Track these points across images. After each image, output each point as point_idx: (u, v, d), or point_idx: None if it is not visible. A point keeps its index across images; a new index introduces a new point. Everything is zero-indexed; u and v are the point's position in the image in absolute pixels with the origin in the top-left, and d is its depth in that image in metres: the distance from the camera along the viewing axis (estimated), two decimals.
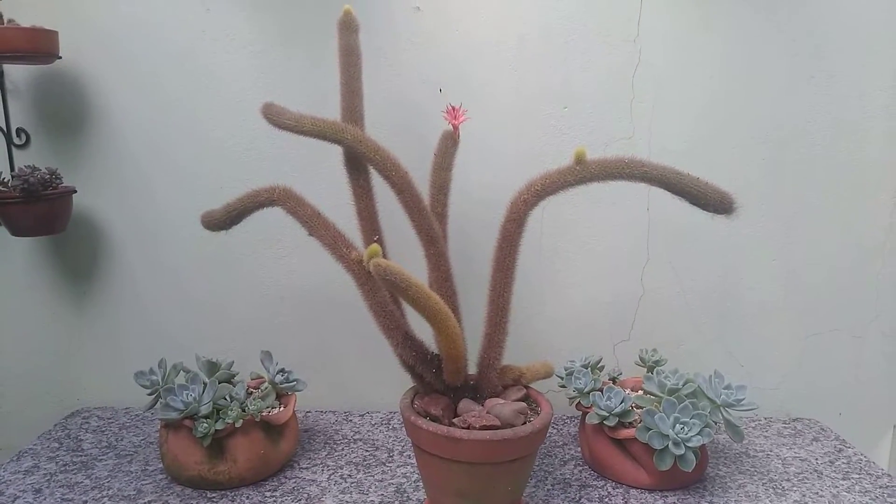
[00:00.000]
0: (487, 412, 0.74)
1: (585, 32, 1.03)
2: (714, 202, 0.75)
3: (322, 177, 1.04)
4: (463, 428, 0.72)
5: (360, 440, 1.02)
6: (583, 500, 0.86)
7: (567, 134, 1.06)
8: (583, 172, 0.75)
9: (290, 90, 1.04)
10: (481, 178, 1.05)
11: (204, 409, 0.85)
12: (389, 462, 0.95)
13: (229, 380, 0.94)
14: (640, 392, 0.97)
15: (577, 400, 0.95)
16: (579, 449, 1.00)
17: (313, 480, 0.90)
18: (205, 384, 0.87)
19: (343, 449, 0.99)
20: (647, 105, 1.05)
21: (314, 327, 1.12)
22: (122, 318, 1.13)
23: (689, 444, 0.82)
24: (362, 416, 1.11)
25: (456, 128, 0.90)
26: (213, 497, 0.86)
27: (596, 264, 1.10)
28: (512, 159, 1.06)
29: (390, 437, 1.04)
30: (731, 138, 1.06)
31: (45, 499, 0.85)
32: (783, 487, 0.89)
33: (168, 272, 1.11)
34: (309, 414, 1.10)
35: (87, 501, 0.84)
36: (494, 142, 1.06)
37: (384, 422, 1.09)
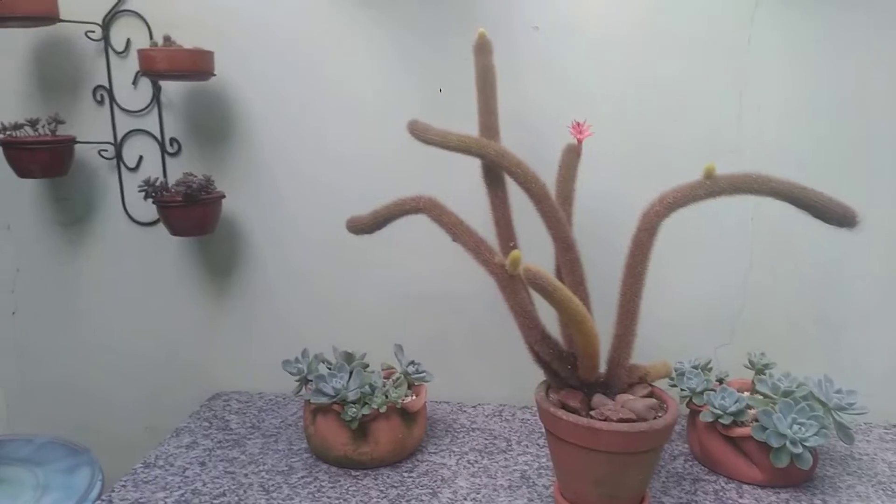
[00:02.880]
0: (622, 406, 0.80)
1: (697, 49, 1.08)
2: (838, 216, 0.80)
3: (437, 186, 1.11)
4: (601, 420, 0.79)
5: (478, 429, 1.10)
6: (698, 492, 0.92)
7: (675, 146, 1.11)
8: (712, 187, 0.80)
9: (412, 103, 1.12)
10: (590, 188, 1.10)
11: (351, 396, 0.94)
12: (509, 450, 1.03)
13: (364, 369, 1.03)
14: (749, 393, 1.02)
15: (689, 398, 1.00)
16: (687, 445, 1.05)
17: (443, 464, 0.98)
18: (351, 372, 0.96)
19: (464, 437, 1.07)
20: (755, 117, 1.10)
21: (430, 324, 1.21)
22: (256, 312, 1.23)
23: (807, 444, 0.87)
24: (474, 407, 1.19)
25: (580, 142, 0.96)
26: (357, 475, 0.95)
27: (699, 270, 1.15)
28: (620, 169, 1.12)
29: (505, 427, 1.11)
30: (838, 150, 1.09)
31: (209, 470, 0.96)
32: (893, 489, 0.93)
33: (297, 271, 1.21)
34: (425, 403, 1.19)
35: (247, 474, 0.95)
36: (604, 153, 1.11)
37: (496, 413, 1.17)
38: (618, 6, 1.08)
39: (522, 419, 1.14)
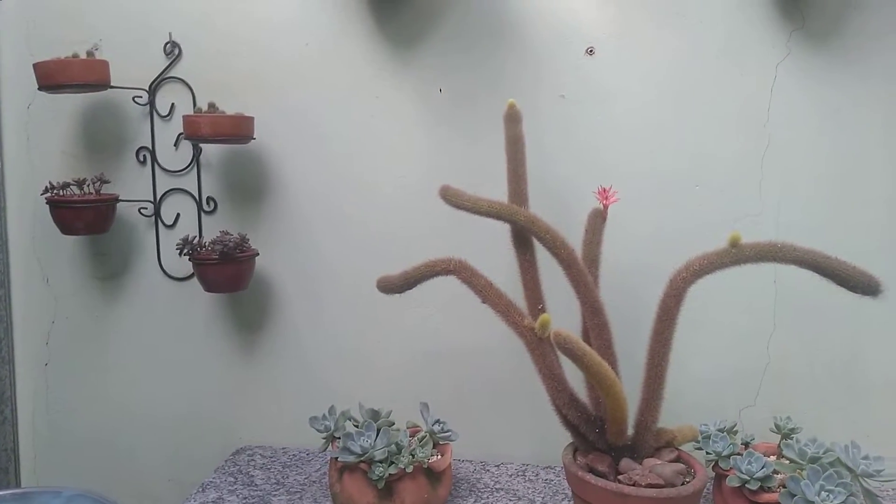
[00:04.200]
0: (649, 471, 0.81)
1: (719, 117, 1.12)
2: (861, 284, 0.82)
3: (466, 247, 1.15)
4: (629, 485, 0.79)
5: (502, 489, 1.10)
6: None
7: (697, 211, 1.14)
8: (738, 255, 0.83)
9: (449, 168, 1.16)
10: (616, 251, 1.13)
11: (378, 455, 0.95)
12: None
13: (390, 427, 1.04)
14: (775, 457, 1.01)
15: (715, 462, 1.00)
16: None
17: None
18: (378, 431, 0.98)
19: (488, 497, 1.07)
20: (776, 184, 1.12)
21: (453, 381, 1.22)
22: (281, 367, 1.25)
23: None
24: (498, 466, 1.19)
25: (606, 207, 1.00)
26: None
27: (723, 332, 1.16)
28: (644, 233, 1.15)
29: (529, 488, 1.11)
30: (859, 217, 1.11)
31: None
32: None
33: (324, 328, 1.24)
34: (451, 463, 1.19)
35: None
36: (628, 216, 1.14)
37: (519, 473, 1.17)
38: (642, 76, 1.12)
39: (546, 480, 1.14)
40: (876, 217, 1.11)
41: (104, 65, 1.12)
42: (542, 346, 0.85)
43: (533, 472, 1.17)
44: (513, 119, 0.98)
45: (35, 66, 1.10)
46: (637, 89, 1.13)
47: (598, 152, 1.15)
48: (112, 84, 1.14)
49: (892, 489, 1.14)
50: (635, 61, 1.12)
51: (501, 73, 1.15)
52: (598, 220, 1.00)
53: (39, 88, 1.12)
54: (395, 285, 0.97)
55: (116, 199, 1.19)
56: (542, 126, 1.14)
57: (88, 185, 1.16)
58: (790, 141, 1.11)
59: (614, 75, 1.13)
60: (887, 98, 1.08)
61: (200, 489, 1.08)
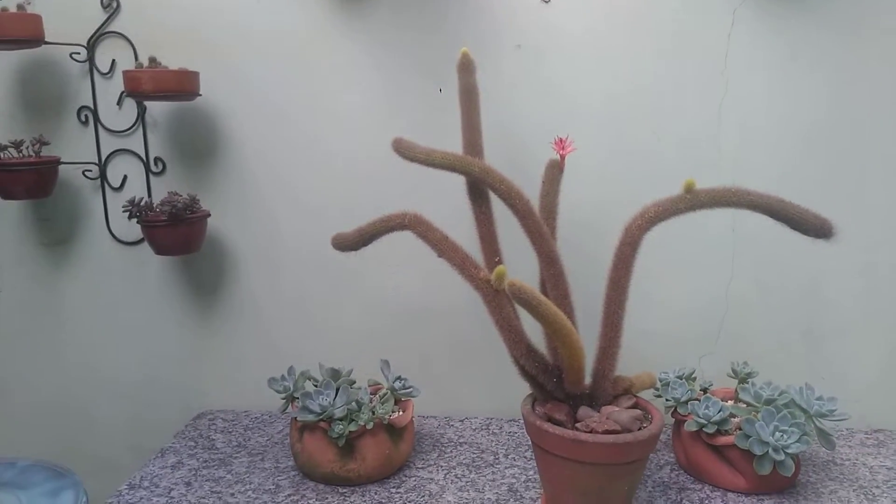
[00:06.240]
0: (607, 418, 0.81)
1: (676, 64, 1.10)
2: (814, 227, 0.82)
3: (424, 203, 1.13)
4: (586, 432, 0.80)
5: (465, 443, 1.11)
6: (684, 501, 0.93)
7: (655, 159, 1.13)
8: (693, 200, 0.82)
9: (399, 121, 1.13)
10: (573, 202, 1.12)
11: (338, 413, 0.94)
12: (496, 464, 1.03)
13: (350, 386, 1.04)
14: (732, 402, 1.03)
15: (674, 408, 1.01)
16: (673, 455, 1.06)
17: (431, 479, 0.99)
18: (337, 389, 0.97)
19: (451, 451, 1.08)
20: (734, 133, 1.12)
21: (416, 339, 1.21)
22: (241, 329, 1.23)
23: (789, 451, 0.89)
24: (462, 421, 1.20)
25: (563, 157, 0.98)
26: (345, 492, 0.95)
27: (682, 281, 1.17)
28: (603, 184, 1.14)
29: (492, 440, 1.12)
30: (817, 164, 1.12)
31: (195, 490, 0.95)
32: (874, 493, 0.95)
33: (283, 288, 1.21)
34: (412, 419, 1.19)
35: (233, 493, 0.94)
36: (586, 168, 1.13)
37: (483, 427, 1.17)
38: (598, 26, 1.10)
39: (510, 432, 1.14)
40: (834, 163, 1.12)
41: (37, 19, 1.06)
42: (498, 298, 0.84)
43: (497, 426, 1.18)
44: (466, 68, 0.95)
45: None
46: (593, 38, 1.11)
47: (555, 102, 1.13)
48: (47, 40, 1.08)
49: (846, 429, 1.17)
50: (591, 8, 1.10)
51: (456, 21, 1.12)
52: (555, 170, 0.98)
53: None
54: (350, 242, 0.95)
55: (58, 162, 1.14)
56: (497, 76, 1.12)
57: (27, 148, 1.11)
58: (748, 88, 1.10)
59: (570, 23, 1.11)
60: (846, 44, 1.08)
61: (160, 454, 1.06)
